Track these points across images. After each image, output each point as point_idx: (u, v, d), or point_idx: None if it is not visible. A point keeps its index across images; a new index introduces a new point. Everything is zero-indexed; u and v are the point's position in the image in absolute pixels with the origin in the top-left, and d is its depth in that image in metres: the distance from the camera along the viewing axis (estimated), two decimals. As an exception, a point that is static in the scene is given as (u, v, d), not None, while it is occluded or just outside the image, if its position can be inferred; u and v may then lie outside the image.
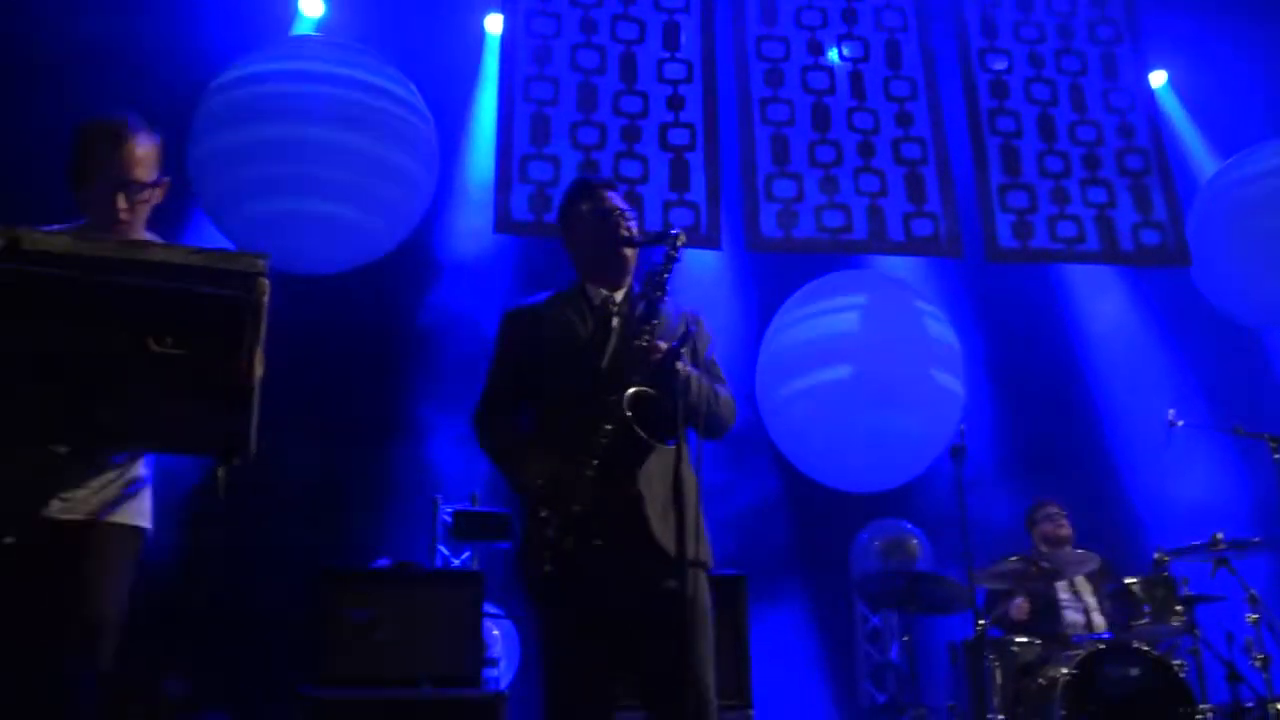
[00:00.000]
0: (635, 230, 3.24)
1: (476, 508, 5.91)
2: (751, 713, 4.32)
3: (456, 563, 5.95)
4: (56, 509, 2.71)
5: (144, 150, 2.91)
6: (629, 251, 3.19)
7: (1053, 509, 6.23)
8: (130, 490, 2.83)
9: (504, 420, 3.18)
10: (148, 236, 2.92)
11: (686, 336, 2.93)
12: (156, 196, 2.95)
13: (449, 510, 5.90)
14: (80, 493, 2.75)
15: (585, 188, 3.35)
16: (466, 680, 4.41)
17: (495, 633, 5.59)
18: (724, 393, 3.20)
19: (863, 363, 6.41)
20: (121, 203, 2.82)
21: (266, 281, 1.69)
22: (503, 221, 6.34)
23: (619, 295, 3.15)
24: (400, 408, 6.56)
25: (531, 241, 6.85)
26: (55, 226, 2.83)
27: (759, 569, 5.47)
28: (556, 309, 3.21)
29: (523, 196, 6.66)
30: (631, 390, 2.86)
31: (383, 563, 4.96)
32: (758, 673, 4.45)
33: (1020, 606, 5.82)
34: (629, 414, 2.82)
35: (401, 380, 6.63)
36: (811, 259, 7.31)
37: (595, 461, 2.88)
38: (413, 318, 6.77)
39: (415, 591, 4.56)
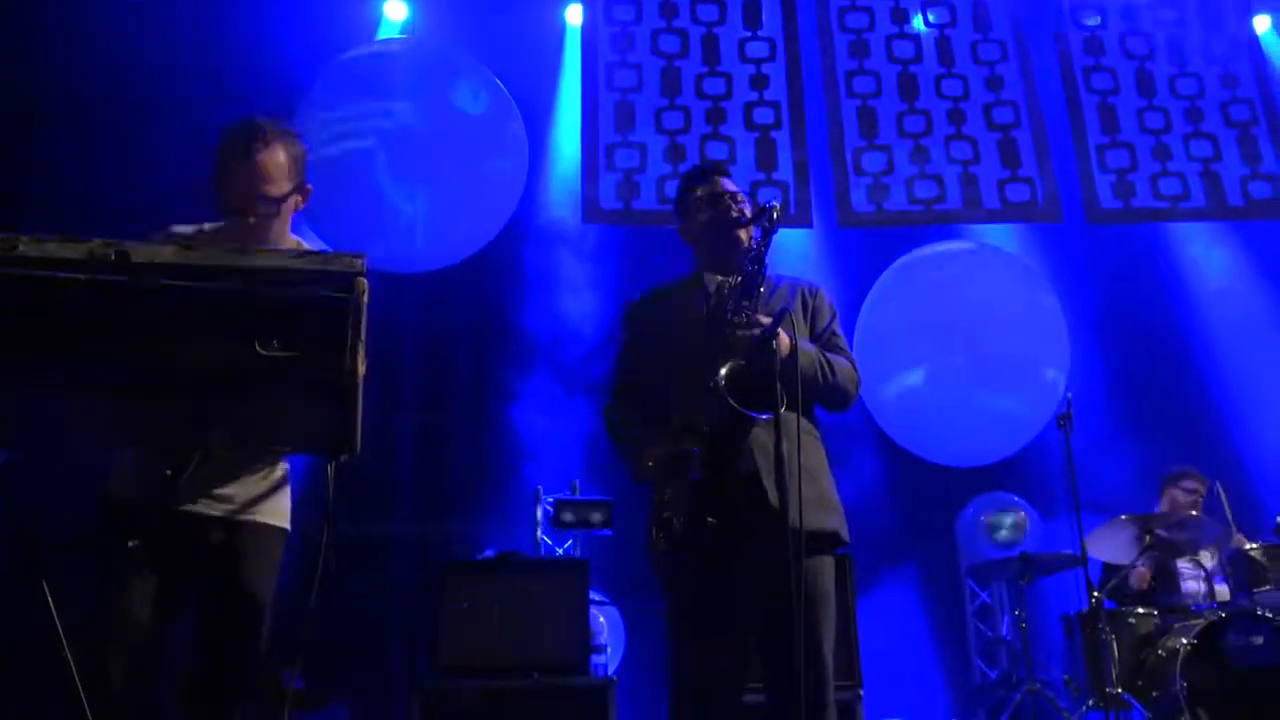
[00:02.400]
0: (748, 209, 3.25)
1: (577, 496, 5.98)
2: (861, 692, 4.29)
3: (560, 551, 6.02)
4: (205, 506, 2.80)
5: (276, 163, 2.82)
6: (742, 234, 3.20)
7: (1194, 483, 6.02)
8: (274, 490, 2.91)
9: (631, 412, 3.23)
10: (292, 238, 2.94)
11: (782, 315, 2.92)
12: (295, 204, 2.89)
13: (550, 500, 5.98)
14: (229, 489, 2.83)
15: (699, 174, 3.39)
16: (575, 667, 4.45)
17: (601, 620, 5.65)
18: (843, 364, 3.18)
19: (965, 346, 6.32)
20: (249, 216, 2.80)
21: (365, 280, 1.73)
22: (591, 210, 6.39)
23: (740, 280, 3.16)
24: (497, 402, 6.66)
25: (624, 231, 6.88)
26: (192, 227, 2.89)
27: (865, 547, 5.43)
28: (675, 297, 3.27)
29: (610, 185, 6.71)
30: (727, 366, 2.88)
31: (489, 553, 5.04)
32: (866, 652, 4.42)
33: (1141, 574, 5.67)
34: (723, 387, 2.83)
35: (497, 375, 6.73)
36: (905, 232, 7.22)
37: (704, 438, 2.90)
38: (506, 313, 6.86)
39: (523, 580, 4.62)
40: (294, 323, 1.71)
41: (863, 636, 4.45)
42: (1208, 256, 7.49)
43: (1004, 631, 6.77)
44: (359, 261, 1.74)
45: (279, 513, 2.92)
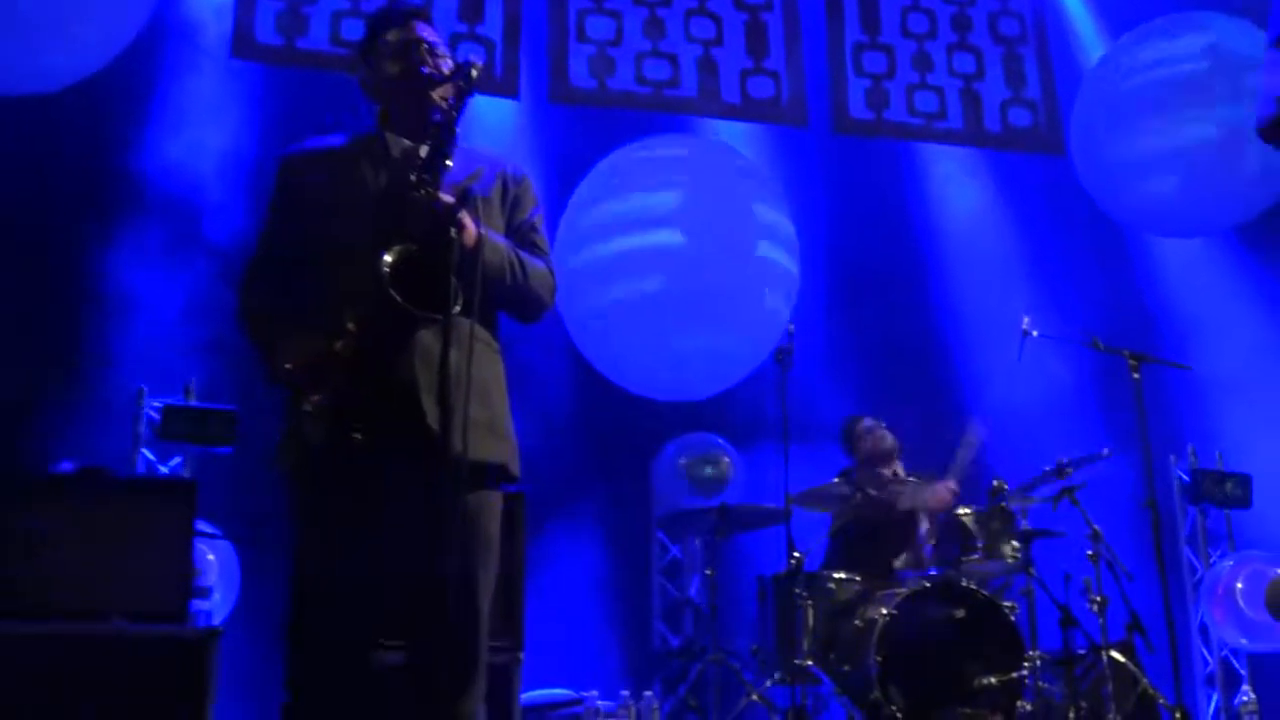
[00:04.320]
0: (446, 68, 3.18)
1: (192, 402, 5.79)
2: (521, 655, 4.41)
3: (164, 470, 5.81)
4: None
5: None
6: (437, 94, 3.13)
7: (868, 421, 6.54)
8: None
9: (272, 295, 3.12)
10: None
11: (470, 197, 2.90)
12: None
13: (157, 405, 5.74)
14: None
15: (392, 15, 3.27)
16: (169, 614, 4.33)
17: (210, 557, 5.53)
18: (538, 265, 3.18)
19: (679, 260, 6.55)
20: None
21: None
22: (243, 44, 6.10)
23: (425, 150, 3.10)
24: (95, 270, 6.30)
25: (284, 75, 6.62)
26: None
27: (542, 486, 5.56)
28: (345, 159, 3.17)
29: (269, 14, 6.41)
30: (395, 249, 2.83)
31: (65, 466, 4.80)
32: (532, 610, 4.54)
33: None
34: (388, 275, 2.79)
35: (106, 234, 6.36)
36: (630, 119, 7.34)
37: (354, 336, 2.85)
38: (123, 158, 6.47)
39: (106, 503, 4.41)
40: None
41: (530, 591, 4.56)
42: (957, 185, 8.09)
43: (692, 593, 7.15)
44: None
45: None
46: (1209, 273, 7.91)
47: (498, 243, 3.07)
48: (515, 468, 3.15)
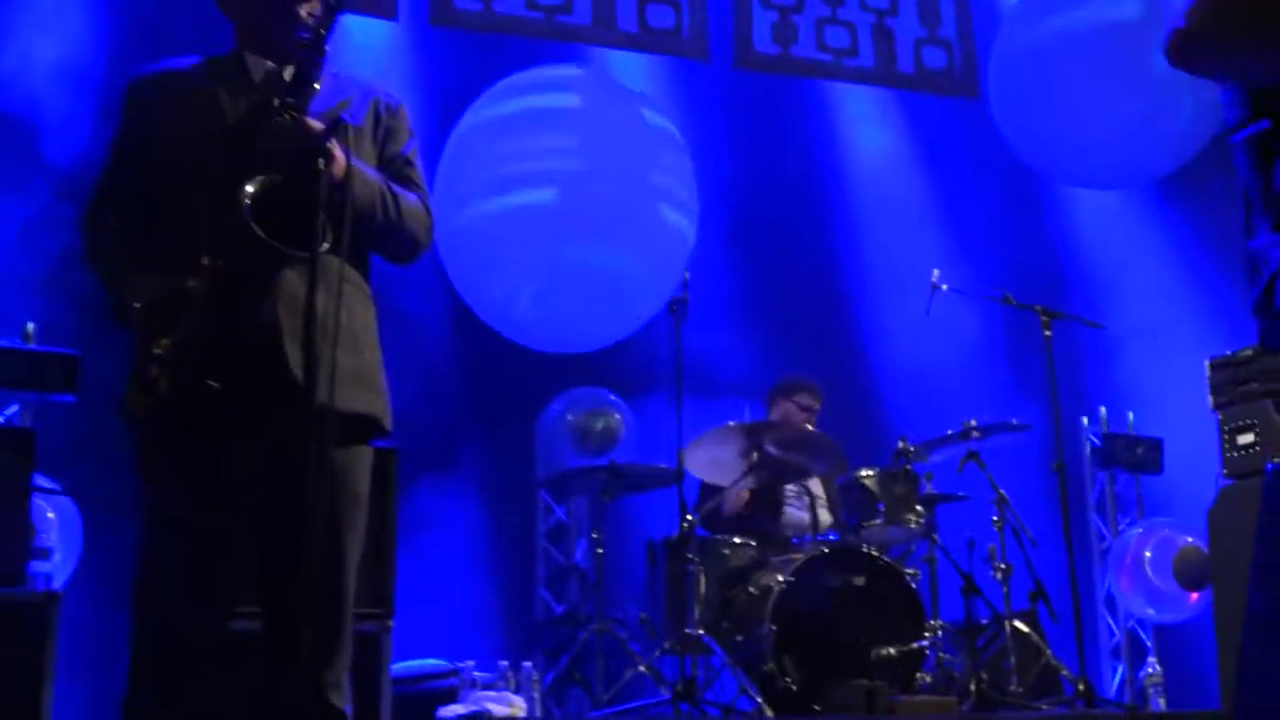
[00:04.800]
0: None
1: (30, 345, 5.63)
2: (391, 624, 4.37)
3: (-1, 419, 5.64)
4: None
5: None
6: (303, 10, 3.04)
7: (809, 398, 6.54)
8: None
9: (120, 229, 3.05)
10: None
11: (340, 125, 2.82)
12: None
13: (-11, 346, 5.57)
14: None
15: None
16: (5, 576, 4.26)
17: (50, 515, 5.42)
18: (413, 201, 3.13)
19: (570, 188, 6.46)
20: None
21: None
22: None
23: (289, 72, 3.00)
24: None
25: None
26: None
27: (416, 441, 5.50)
28: (201, 80, 3.09)
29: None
30: (257, 180, 2.75)
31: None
32: (404, 574, 4.50)
33: (739, 496, 6.15)
34: (248, 208, 2.71)
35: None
36: (518, 46, 7.23)
37: (210, 274, 2.77)
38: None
39: (-72, 453, 4.32)
40: None
41: (401, 554, 4.52)
42: (867, 128, 8.11)
43: (578, 558, 7.13)
44: None
45: None
46: (1128, 226, 8.07)
47: (369, 176, 3.00)
48: (387, 421, 3.09)
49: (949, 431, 6.02)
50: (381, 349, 3.14)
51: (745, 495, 6.18)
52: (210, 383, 2.82)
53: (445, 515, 6.69)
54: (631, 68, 7.41)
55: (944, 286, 6.20)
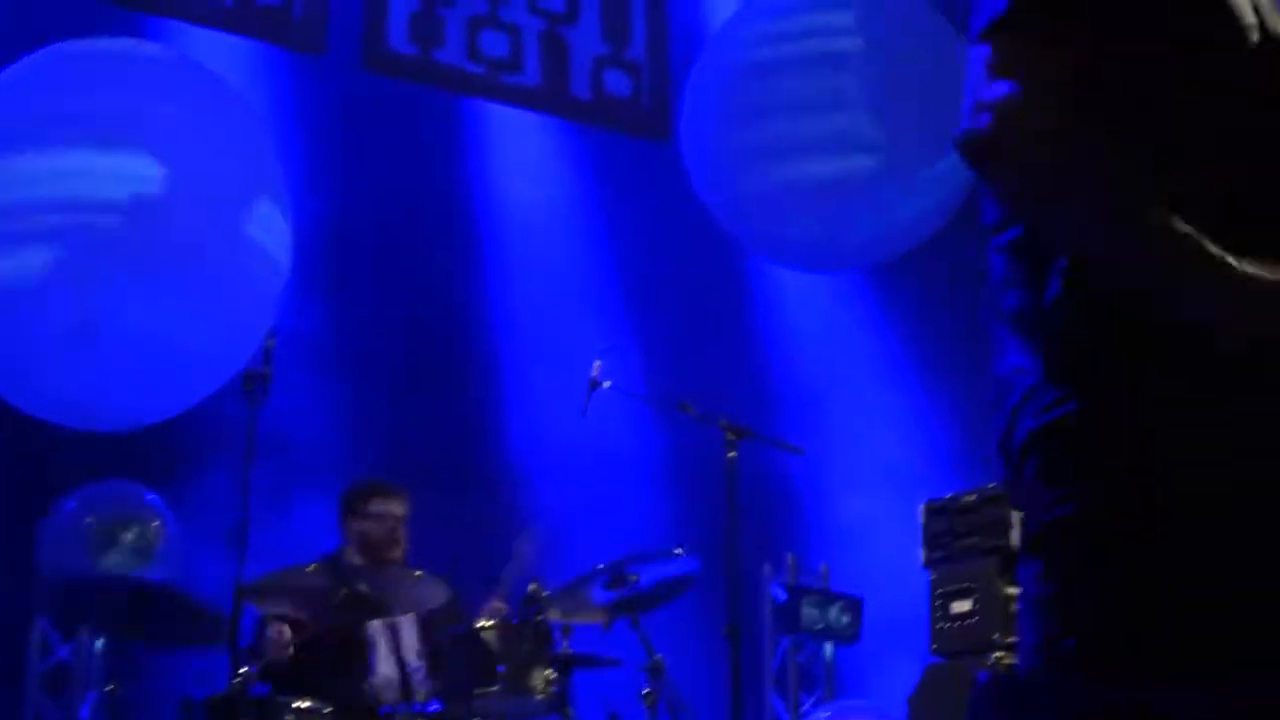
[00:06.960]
0: None
1: None
2: None
3: None
4: None
5: None
6: None
7: (394, 503, 6.44)
8: None
9: None
10: None
11: None
12: None
13: None
14: None
15: None
16: None
17: None
18: None
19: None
20: None
21: None
22: None
23: None
24: None
25: None
26: None
27: None
28: None
29: None
30: None
31: None
32: None
33: (280, 632, 5.95)
34: None
35: None
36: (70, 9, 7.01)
37: None
38: None
39: None
40: None
41: None
42: (532, 164, 8.13)
43: (83, 717, 6.83)
44: None
45: None
46: (845, 323, 8.28)
47: None
48: None
49: (595, 566, 5.99)
50: None
51: (287, 633, 6.00)
52: None
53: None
54: (222, 55, 7.21)
55: (606, 383, 6.22)
